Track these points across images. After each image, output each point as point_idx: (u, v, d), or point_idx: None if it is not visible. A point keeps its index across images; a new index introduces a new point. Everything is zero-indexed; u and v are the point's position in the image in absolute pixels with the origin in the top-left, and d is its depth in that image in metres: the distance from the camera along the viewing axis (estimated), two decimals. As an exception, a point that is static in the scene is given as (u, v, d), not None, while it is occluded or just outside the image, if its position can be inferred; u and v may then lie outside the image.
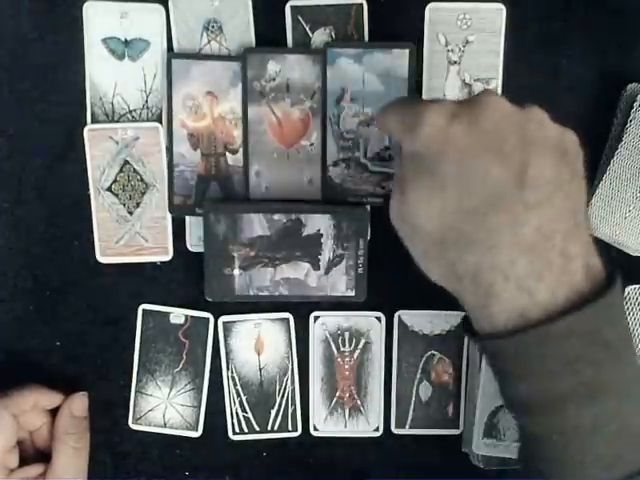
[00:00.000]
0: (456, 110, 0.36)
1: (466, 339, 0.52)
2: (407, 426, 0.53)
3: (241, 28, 0.49)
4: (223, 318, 0.52)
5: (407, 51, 0.49)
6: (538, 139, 0.35)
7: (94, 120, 0.50)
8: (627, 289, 0.49)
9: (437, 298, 0.51)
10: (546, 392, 0.35)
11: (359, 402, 0.52)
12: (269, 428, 0.52)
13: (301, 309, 0.52)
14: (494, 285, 0.35)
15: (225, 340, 0.52)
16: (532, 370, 0.35)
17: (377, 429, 0.53)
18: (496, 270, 0.35)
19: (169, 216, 0.51)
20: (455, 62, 0.50)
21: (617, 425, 0.35)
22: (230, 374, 0.52)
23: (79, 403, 0.50)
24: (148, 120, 0.50)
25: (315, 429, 0.53)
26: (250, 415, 0.52)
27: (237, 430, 0.52)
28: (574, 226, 0.36)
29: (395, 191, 0.39)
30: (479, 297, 0.36)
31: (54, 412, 0.50)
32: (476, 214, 0.35)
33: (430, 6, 0.49)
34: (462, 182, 0.35)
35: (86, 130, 0.50)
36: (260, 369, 0.52)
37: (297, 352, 0.52)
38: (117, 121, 0.50)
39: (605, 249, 0.50)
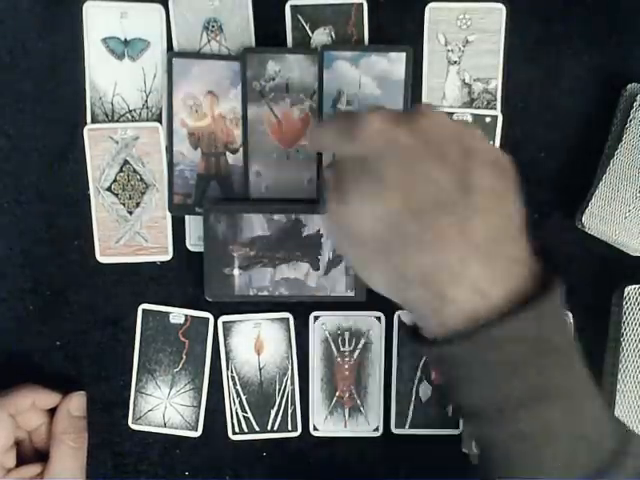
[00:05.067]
0: (398, 117, 0.37)
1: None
2: (407, 426, 0.52)
3: (241, 28, 0.50)
4: (223, 318, 0.52)
5: (404, 54, 0.49)
6: (478, 151, 0.36)
7: (94, 120, 0.50)
8: (627, 289, 0.49)
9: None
10: (498, 397, 0.35)
11: (359, 402, 0.52)
12: (269, 428, 0.52)
13: (301, 309, 0.52)
14: (446, 287, 0.34)
15: (225, 340, 0.52)
16: (484, 374, 0.35)
17: (377, 429, 0.53)
18: (447, 271, 0.34)
19: (169, 216, 0.51)
20: (455, 62, 0.50)
21: (569, 430, 0.35)
22: (230, 374, 0.52)
23: (77, 402, 0.50)
24: (148, 120, 0.50)
25: (315, 429, 0.53)
26: (250, 415, 0.52)
27: (237, 430, 0.52)
28: (517, 233, 0.36)
29: (332, 200, 0.38)
30: (431, 301, 0.35)
31: (52, 412, 0.50)
32: (422, 215, 0.34)
33: (430, 6, 0.49)
34: (406, 182, 0.35)
35: (86, 130, 0.50)
36: (260, 369, 0.52)
37: (297, 352, 0.52)
38: (117, 121, 0.50)
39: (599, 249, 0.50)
